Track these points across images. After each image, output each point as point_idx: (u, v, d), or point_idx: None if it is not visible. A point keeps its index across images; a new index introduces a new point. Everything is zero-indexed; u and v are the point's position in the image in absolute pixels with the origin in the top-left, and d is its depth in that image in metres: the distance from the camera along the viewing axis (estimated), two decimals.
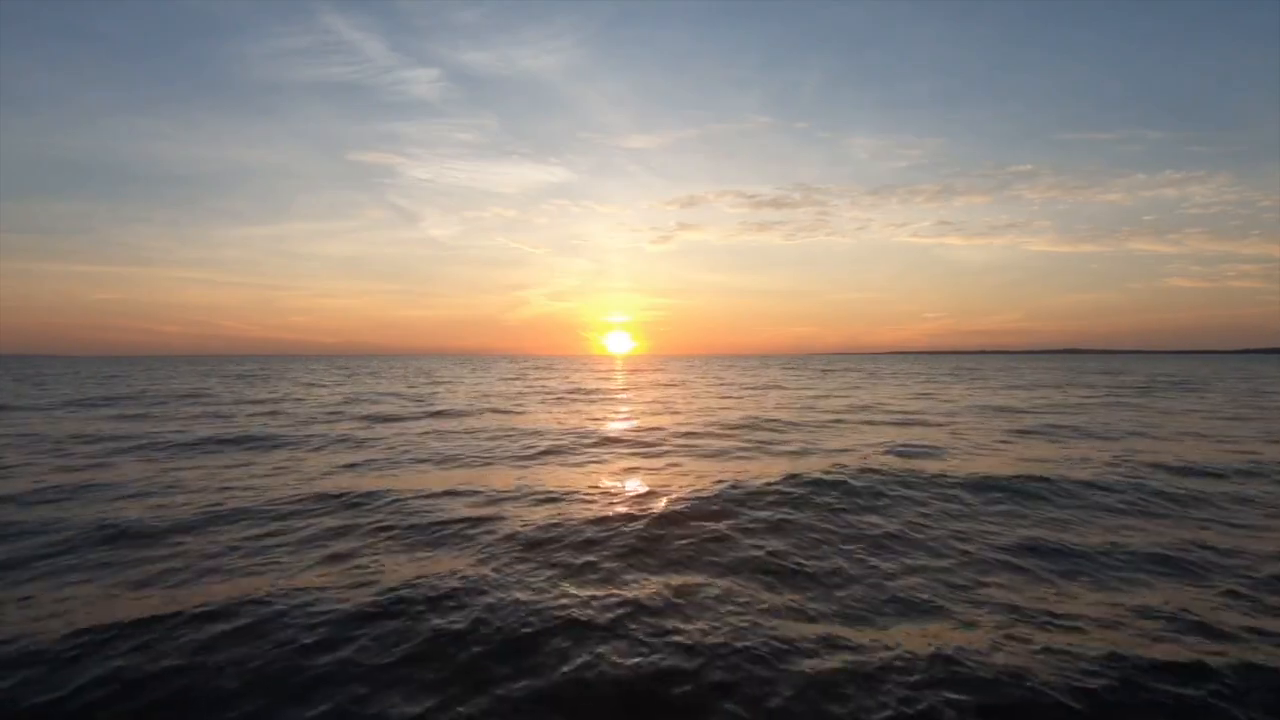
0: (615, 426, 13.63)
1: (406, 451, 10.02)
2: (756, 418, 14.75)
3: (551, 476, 8.20)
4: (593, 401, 20.13)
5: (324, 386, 28.25)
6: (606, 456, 9.81)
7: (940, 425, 13.56)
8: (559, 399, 21.11)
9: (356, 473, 8.46)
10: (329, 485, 7.51)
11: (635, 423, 14.35)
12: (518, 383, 32.29)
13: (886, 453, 9.65)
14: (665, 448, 10.54)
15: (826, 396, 21.79)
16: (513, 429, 12.96)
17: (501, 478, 8.08)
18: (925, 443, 10.72)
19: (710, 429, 12.81)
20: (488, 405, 18.58)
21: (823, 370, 54.51)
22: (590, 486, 7.51)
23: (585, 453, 10.13)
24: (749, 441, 11.12)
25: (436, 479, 7.99)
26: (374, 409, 17.22)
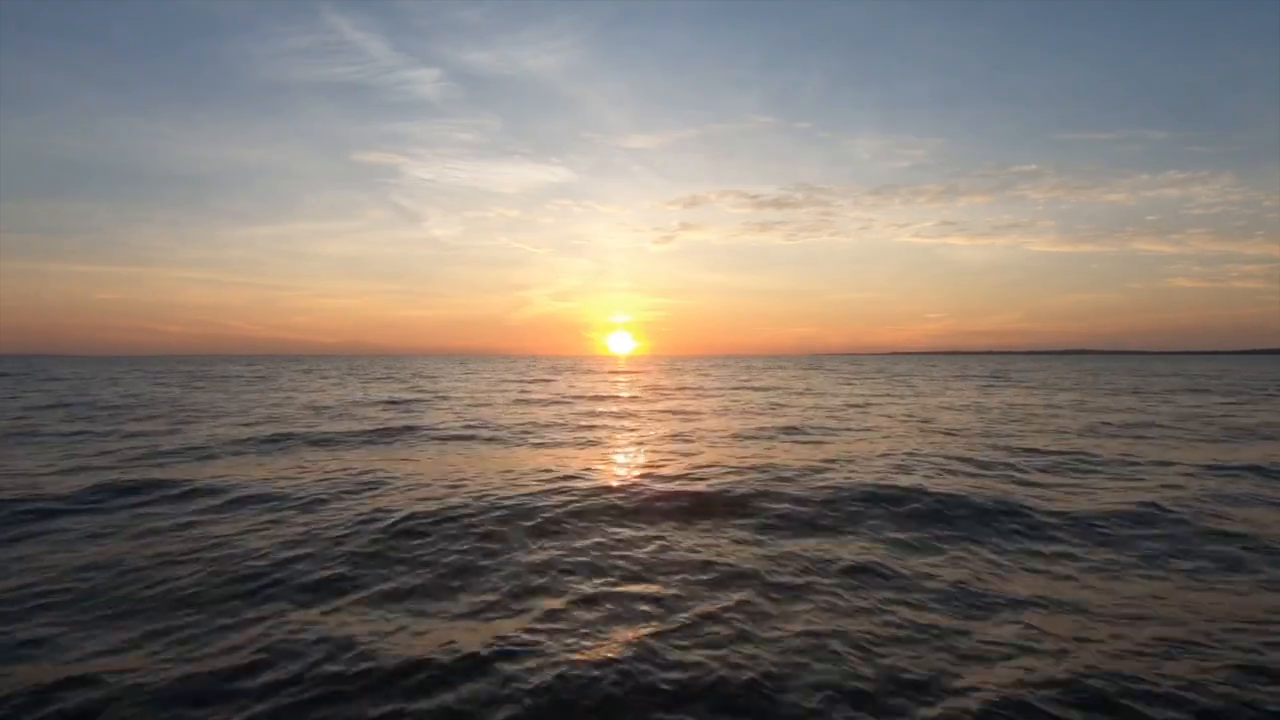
0: (699, 471, 9.46)
1: (341, 538, 5.87)
2: (935, 460, 10.38)
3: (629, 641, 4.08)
4: (627, 416, 16.01)
5: (303, 392, 24.19)
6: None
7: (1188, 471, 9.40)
8: (580, 413, 16.98)
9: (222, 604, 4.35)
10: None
11: (711, 457, 10.16)
12: (523, 388, 28.14)
13: None
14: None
15: (910, 402, 17.68)
16: (525, 473, 8.82)
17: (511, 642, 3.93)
18: None
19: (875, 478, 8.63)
20: (485, 418, 14.49)
21: (848, 372, 50.39)
22: None
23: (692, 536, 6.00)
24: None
25: (369, 628, 3.86)
26: (336, 427, 13.12)
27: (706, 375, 44.38)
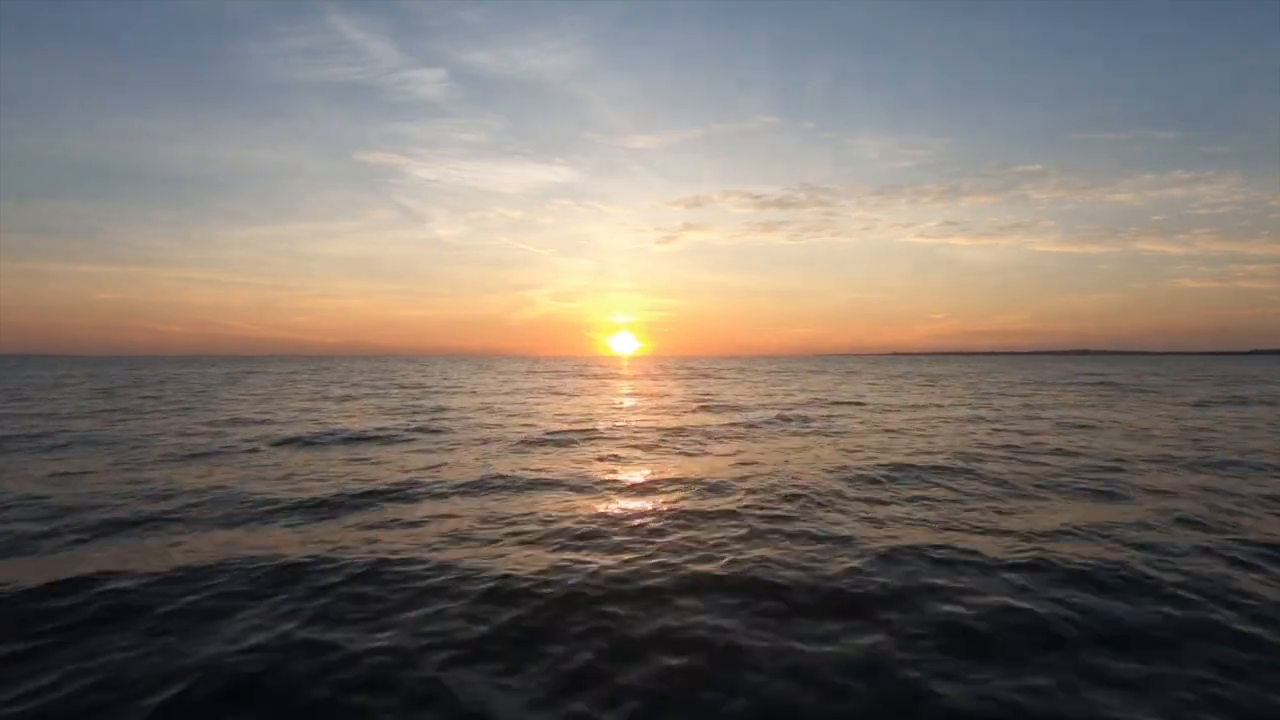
0: None
1: None
2: None
3: None
4: (731, 494, 8.58)
5: (245, 401, 16.82)
6: None
7: None
8: (636, 482, 9.57)
9: None
10: None
11: None
12: (530, 409, 20.74)
13: None
14: None
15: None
16: None
17: None
18: None
19: None
20: (471, 493, 7.19)
21: (880, 373, 43.00)
22: None
23: None
24: None
25: None
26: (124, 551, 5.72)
27: (745, 382, 36.75)
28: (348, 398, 24.27)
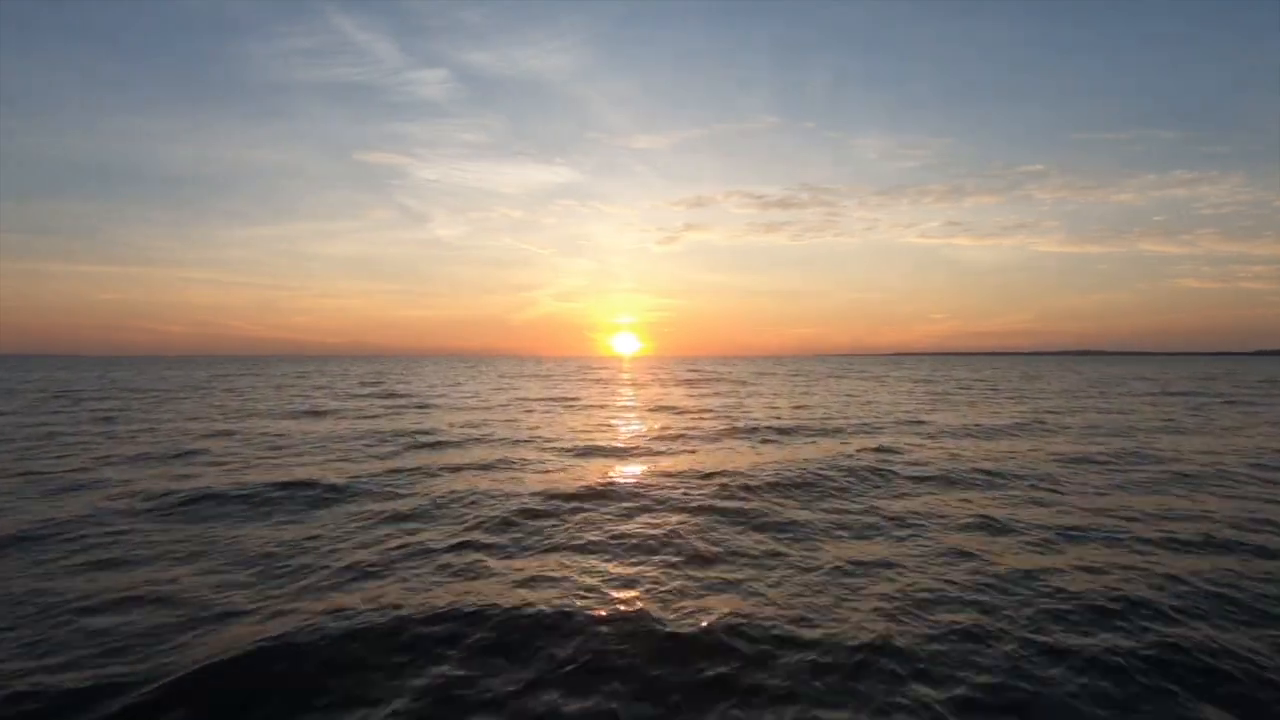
0: None
1: None
2: None
3: None
4: None
5: (209, 420, 13.08)
6: None
7: None
8: None
9: None
10: None
11: None
12: (544, 417, 17.03)
13: None
14: None
15: None
16: None
17: None
18: None
19: None
20: None
21: (916, 381, 39.23)
22: None
23: None
24: None
25: None
26: None
27: (765, 388, 32.77)
28: (320, 413, 20.49)
